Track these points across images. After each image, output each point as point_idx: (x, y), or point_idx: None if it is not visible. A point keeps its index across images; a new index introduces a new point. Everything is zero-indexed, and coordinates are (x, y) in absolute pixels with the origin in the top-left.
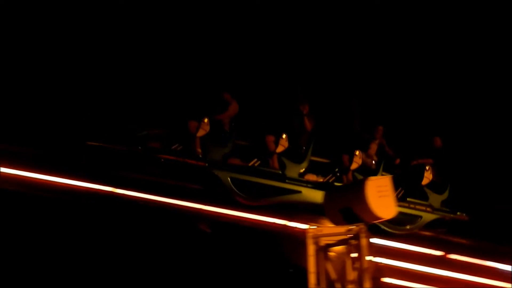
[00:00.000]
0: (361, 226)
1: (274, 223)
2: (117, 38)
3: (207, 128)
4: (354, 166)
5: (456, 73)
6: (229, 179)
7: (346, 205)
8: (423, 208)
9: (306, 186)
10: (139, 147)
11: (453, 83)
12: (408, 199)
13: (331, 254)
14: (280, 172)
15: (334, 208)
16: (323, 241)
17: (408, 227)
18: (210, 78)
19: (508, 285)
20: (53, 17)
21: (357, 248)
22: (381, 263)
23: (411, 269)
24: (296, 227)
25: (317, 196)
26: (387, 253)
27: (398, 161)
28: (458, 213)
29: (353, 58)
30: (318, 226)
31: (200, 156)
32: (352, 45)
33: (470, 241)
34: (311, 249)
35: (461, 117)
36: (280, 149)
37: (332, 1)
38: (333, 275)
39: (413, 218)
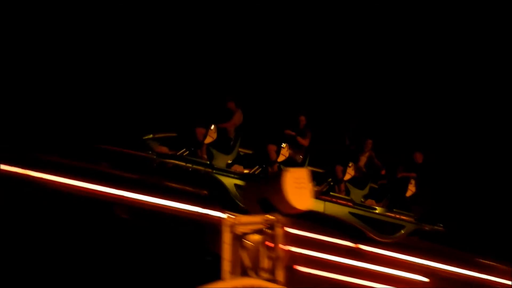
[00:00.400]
0: (277, 216)
1: (193, 211)
2: (127, 44)
3: (214, 135)
4: (347, 177)
5: (439, 89)
6: (233, 185)
7: (264, 195)
8: (407, 218)
9: None
10: (149, 152)
11: (438, 99)
12: (394, 209)
13: (247, 242)
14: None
15: (251, 198)
16: (239, 230)
17: (394, 235)
18: (216, 86)
19: (420, 277)
20: (70, 24)
21: (272, 238)
22: (295, 252)
23: (324, 259)
24: (214, 216)
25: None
26: (301, 242)
27: (383, 172)
28: (436, 224)
29: (344, 74)
30: (235, 215)
31: (207, 162)
32: (343, 60)
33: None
34: (226, 237)
35: (445, 133)
36: (281, 158)
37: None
38: (247, 263)
39: (397, 227)
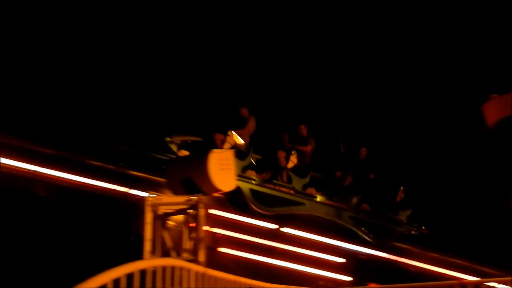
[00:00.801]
0: (201, 196)
1: (115, 190)
2: (150, 54)
3: (232, 141)
4: (290, 165)
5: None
6: (249, 190)
7: (187, 176)
8: (395, 222)
9: (311, 200)
10: (174, 156)
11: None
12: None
13: (169, 223)
14: (290, 185)
15: (175, 178)
16: (162, 210)
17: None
18: (230, 93)
19: (336, 258)
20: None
21: (195, 218)
22: (218, 233)
23: (247, 240)
24: (137, 195)
25: (320, 209)
26: (224, 224)
27: (372, 176)
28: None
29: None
30: (157, 195)
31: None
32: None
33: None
34: (148, 217)
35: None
36: (290, 164)
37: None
38: (169, 243)
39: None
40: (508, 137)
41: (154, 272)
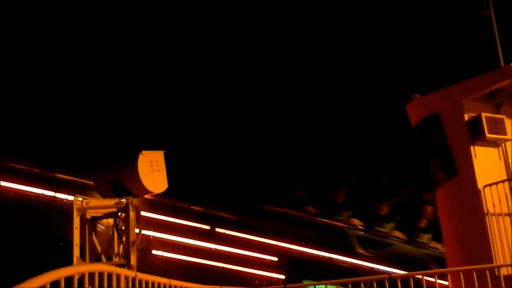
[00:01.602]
0: (130, 199)
1: (41, 194)
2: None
3: (343, 196)
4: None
5: None
6: (355, 236)
7: (117, 178)
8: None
9: (398, 241)
10: (300, 212)
11: None
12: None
13: (99, 226)
14: (384, 229)
15: (103, 181)
16: (90, 214)
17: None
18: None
19: (269, 256)
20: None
21: (125, 221)
22: (151, 236)
23: (180, 242)
24: (64, 199)
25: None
26: (157, 226)
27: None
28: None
29: None
30: (85, 198)
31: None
32: None
33: (235, 216)
34: (76, 221)
35: None
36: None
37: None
38: (99, 248)
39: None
40: (431, 135)
41: (81, 279)
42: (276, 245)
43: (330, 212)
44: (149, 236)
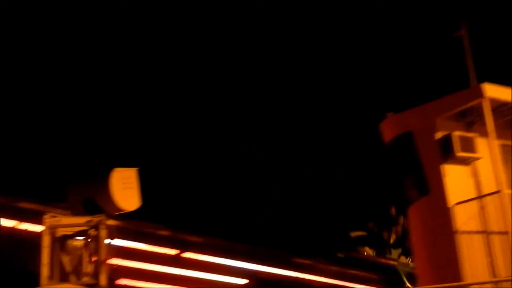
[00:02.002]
0: (102, 217)
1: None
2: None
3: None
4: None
5: None
6: (404, 273)
7: (89, 196)
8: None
9: None
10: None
11: None
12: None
13: (68, 245)
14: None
15: (75, 198)
16: (60, 232)
17: None
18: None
19: (240, 280)
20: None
21: (96, 240)
22: (117, 264)
23: (146, 269)
24: (28, 229)
25: None
26: (123, 254)
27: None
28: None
29: None
30: (55, 216)
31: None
32: None
33: (203, 239)
34: (46, 240)
35: None
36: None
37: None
38: (68, 267)
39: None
40: (403, 153)
41: None
42: (247, 267)
43: (383, 252)
44: (114, 264)
